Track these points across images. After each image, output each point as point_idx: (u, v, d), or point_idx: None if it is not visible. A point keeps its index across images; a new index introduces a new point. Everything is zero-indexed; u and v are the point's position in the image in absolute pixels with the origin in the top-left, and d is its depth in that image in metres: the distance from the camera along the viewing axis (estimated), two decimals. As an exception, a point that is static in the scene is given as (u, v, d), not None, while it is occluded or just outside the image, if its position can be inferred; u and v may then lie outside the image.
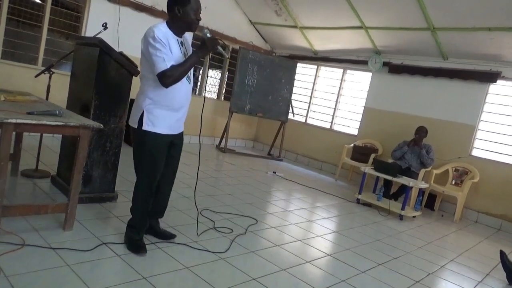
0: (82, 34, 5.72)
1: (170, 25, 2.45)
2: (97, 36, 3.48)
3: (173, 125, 2.59)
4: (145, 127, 2.46)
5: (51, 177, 3.65)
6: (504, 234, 5.34)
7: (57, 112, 2.54)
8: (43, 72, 3.72)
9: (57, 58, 4.07)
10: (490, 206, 5.68)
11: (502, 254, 3.53)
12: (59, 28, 5.66)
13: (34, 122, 2.34)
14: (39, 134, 3.97)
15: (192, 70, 2.60)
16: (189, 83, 2.59)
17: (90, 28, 5.69)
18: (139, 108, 2.49)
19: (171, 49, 2.37)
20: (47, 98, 3.76)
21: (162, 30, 2.38)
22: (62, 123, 2.47)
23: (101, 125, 2.70)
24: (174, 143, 2.67)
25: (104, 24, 3.87)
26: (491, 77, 5.77)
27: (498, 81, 5.75)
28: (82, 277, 2.15)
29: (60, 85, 4.52)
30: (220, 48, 2.41)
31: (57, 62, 3.86)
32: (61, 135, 3.71)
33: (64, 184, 3.33)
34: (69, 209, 2.66)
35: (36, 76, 3.77)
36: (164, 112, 2.49)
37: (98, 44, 3.10)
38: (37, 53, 5.47)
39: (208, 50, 2.42)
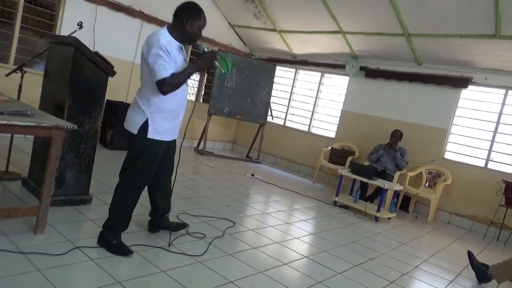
0: (57, 33, 5.58)
1: (172, 32, 2.49)
2: (72, 35, 3.40)
3: (174, 131, 2.68)
4: (150, 135, 2.50)
5: (22, 179, 3.53)
6: (475, 234, 5.52)
7: (29, 112, 2.46)
8: (14, 71, 3.61)
9: (30, 57, 3.96)
10: (461, 208, 5.86)
11: (470, 254, 3.65)
12: (32, 26, 5.50)
13: (4, 122, 2.25)
14: (9, 134, 3.84)
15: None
16: (186, 86, 2.66)
17: (65, 27, 5.56)
18: (141, 115, 2.50)
19: (174, 57, 2.44)
20: (18, 98, 3.64)
21: (166, 37, 2.42)
22: (34, 124, 2.39)
23: (75, 126, 2.64)
24: (169, 146, 2.76)
25: (80, 23, 3.79)
26: (462, 82, 5.96)
27: (469, 87, 5.95)
28: (54, 282, 2.08)
29: (32, 84, 4.38)
30: (217, 64, 2.54)
31: (29, 60, 3.75)
32: (33, 136, 3.59)
33: (36, 187, 3.23)
34: (41, 212, 2.58)
35: (7, 75, 3.65)
36: (167, 119, 2.56)
37: (73, 44, 3.02)
38: (8, 51, 5.30)
39: (207, 63, 2.55)
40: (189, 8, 2.50)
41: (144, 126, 2.49)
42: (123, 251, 2.57)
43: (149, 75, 2.41)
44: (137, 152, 2.55)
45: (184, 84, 2.57)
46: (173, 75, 2.36)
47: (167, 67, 2.34)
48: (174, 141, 2.81)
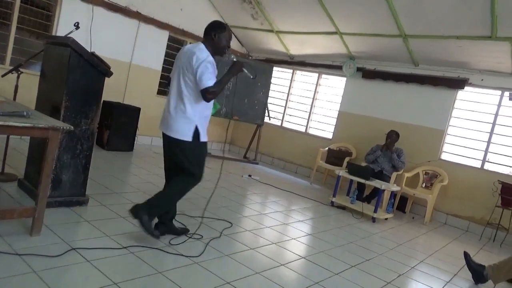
0: (53, 34, 5.56)
1: (206, 47, 2.82)
2: (69, 36, 3.39)
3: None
4: (202, 139, 2.84)
5: (18, 181, 3.52)
6: (471, 235, 5.54)
7: (25, 113, 2.45)
8: (10, 71, 3.60)
9: (26, 58, 3.94)
10: (458, 208, 5.88)
11: (466, 255, 3.66)
12: (28, 27, 5.48)
13: (0, 123, 2.25)
14: (5, 135, 3.83)
15: None
16: None
17: (62, 28, 5.54)
18: (189, 123, 2.78)
19: (214, 70, 2.79)
20: (14, 99, 3.63)
21: (208, 53, 2.76)
22: (30, 125, 2.38)
23: (71, 127, 2.62)
24: None
25: (76, 24, 3.77)
26: (459, 83, 5.99)
27: (466, 88, 5.98)
28: (50, 284, 2.07)
29: (28, 85, 4.36)
30: (245, 70, 2.93)
31: (25, 61, 3.74)
32: (29, 137, 3.58)
33: (32, 188, 3.22)
34: (37, 214, 2.57)
35: (3, 76, 3.64)
36: (205, 122, 2.90)
37: (70, 44, 3.01)
38: (4, 52, 5.28)
39: (237, 70, 2.92)
40: (214, 24, 2.90)
41: (196, 133, 2.79)
42: (152, 230, 2.80)
43: (196, 85, 2.72)
44: (197, 156, 2.86)
45: None
46: (215, 84, 2.71)
47: (211, 78, 2.70)
48: None
